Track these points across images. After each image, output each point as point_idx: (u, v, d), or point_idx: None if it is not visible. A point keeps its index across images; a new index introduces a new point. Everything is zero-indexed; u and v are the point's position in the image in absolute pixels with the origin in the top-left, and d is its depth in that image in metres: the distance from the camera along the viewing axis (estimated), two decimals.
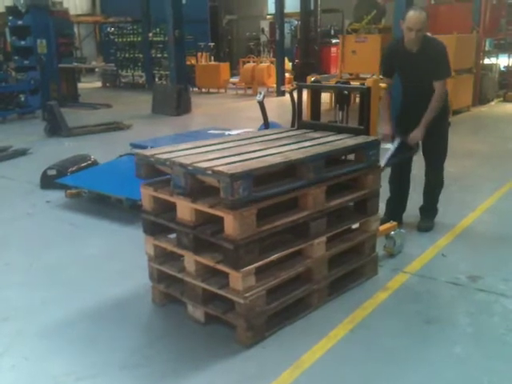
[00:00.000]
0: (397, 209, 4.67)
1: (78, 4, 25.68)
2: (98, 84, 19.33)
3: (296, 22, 20.60)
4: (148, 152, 3.25)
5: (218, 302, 3.04)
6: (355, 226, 3.69)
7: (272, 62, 16.15)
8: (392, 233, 4.10)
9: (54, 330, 3.17)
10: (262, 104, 6.04)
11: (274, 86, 15.32)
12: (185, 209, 2.96)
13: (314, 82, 4.22)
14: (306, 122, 4.10)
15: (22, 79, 11.77)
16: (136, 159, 3.23)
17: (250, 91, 15.69)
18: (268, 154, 3.12)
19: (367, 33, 12.56)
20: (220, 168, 2.76)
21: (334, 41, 18.33)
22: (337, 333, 3.08)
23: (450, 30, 10.17)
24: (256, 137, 3.68)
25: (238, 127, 8.43)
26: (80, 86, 15.33)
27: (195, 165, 2.86)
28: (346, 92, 4.08)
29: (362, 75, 13.01)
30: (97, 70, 20.60)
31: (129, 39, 18.07)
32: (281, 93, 14.67)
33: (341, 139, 3.55)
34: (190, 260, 3.04)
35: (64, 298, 3.55)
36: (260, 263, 2.90)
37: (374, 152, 3.54)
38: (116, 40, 18.54)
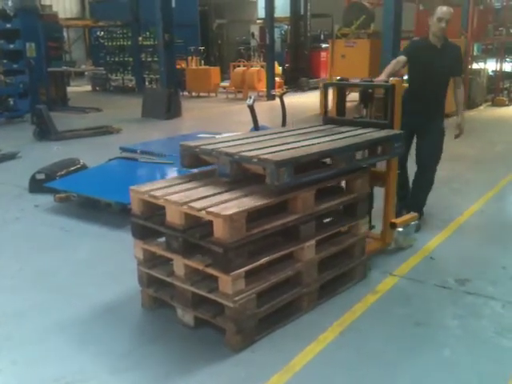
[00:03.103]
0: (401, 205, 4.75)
1: (68, 7, 25.60)
2: (88, 88, 19.27)
3: (286, 27, 20.67)
4: (192, 143, 3.45)
5: (207, 305, 3.04)
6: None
7: (262, 67, 16.18)
8: (400, 229, 4.20)
9: (43, 334, 3.15)
10: (252, 108, 6.06)
11: (265, 90, 15.34)
12: (174, 212, 2.96)
13: (339, 80, 4.48)
14: (332, 117, 4.34)
15: (11, 83, 11.69)
16: (181, 150, 3.42)
17: (240, 95, 15.70)
18: (304, 145, 3.35)
19: (356, 37, 12.63)
20: (265, 156, 2.98)
21: (323, 45, 18.42)
22: (326, 336, 3.08)
23: None
24: (287, 131, 3.94)
25: (229, 131, 8.44)
26: (69, 89, 15.26)
27: (241, 154, 3.07)
28: (370, 90, 4.30)
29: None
30: (86, 73, 20.52)
31: (118, 43, 18.06)
32: (271, 97, 14.70)
33: (368, 132, 3.78)
34: (179, 264, 3.03)
35: (53, 303, 3.53)
36: (250, 267, 2.90)
37: (399, 144, 3.80)
38: (106, 44, 18.53)
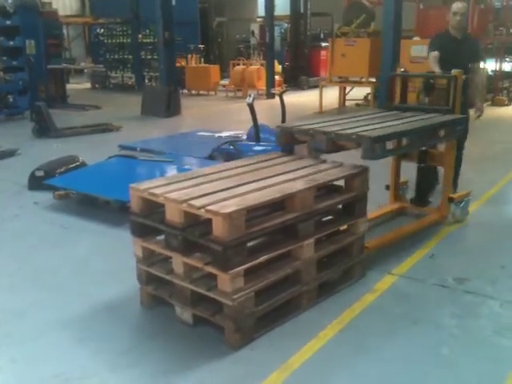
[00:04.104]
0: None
1: (68, 5, 25.56)
2: (87, 85, 19.23)
3: (286, 25, 20.64)
4: (288, 125, 4.13)
5: (206, 303, 3.04)
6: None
7: (262, 65, 16.17)
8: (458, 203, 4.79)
9: (43, 332, 3.15)
10: (251, 106, 6.06)
11: (264, 88, 15.33)
12: (174, 210, 2.96)
13: (402, 71, 5.10)
14: (397, 104, 4.90)
15: (11, 80, 11.68)
16: (278, 130, 4.03)
17: (239, 93, 15.70)
18: (385, 126, 3.94)
19: (356, 36, 12.64)
20: (363, 133, 3.57)
21: (323, 44, 18.39)
22: (325, 334, 3.09)
23: None
24: (361, 116, 4.50)
25: (228, 129, 8.45)
26: (69, 87, 15.25)
27: (338, 132, 3.69)
28: (431, 80, 4.93)
29: (351, 78, 13.09)
30: (86, 71, 20.48)
31: (118, 40, 18.03)
32: (271, 95, 14.68)
33: (434, 117, 4.38)
34: (179, 262, 3.03)
35: (53, 301, 3.53)
36: (249, 265, 2.91)
37: (460, 127, 4.42)
38: (105, 41, 18.48)
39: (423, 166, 4.97)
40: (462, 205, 4.83)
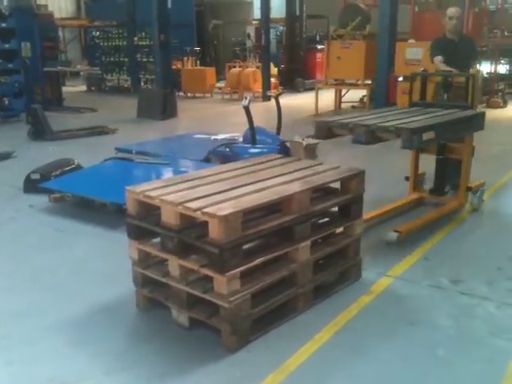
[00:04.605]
0: None
1: (63, 7, 25.54)
2: (83, 88, 19.21)
3: (282, 28, 20.67)
4: (327, 119, 4.34)
5: (202, 306, 3.04)
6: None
7: (258, 67, 16.18)
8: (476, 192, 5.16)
9: (39, 334, 3.14)
10: (247, 109, 6.07)
11: (260, 91, 15.35)
12: (169, 212, 2.96)
13: (422, 71, 5.58)
14: (418, 102, 5.19)
15: (6, 82, 11.66)
16: (316, 124, 4.23)
17: (235, 96, 15.70)
18: (417, 119, 4.19)
19: (352, 39, 12.66)
20: (401, 125, 3.85)
21: (319, 46, 18.42)
22: (322, 336, 3.09)
23: (434, 37, 10.29)
24: (386, 111, 4.75)
25: (224, 132, 8.45)
26: (65, 89, 15.22)
27: (378, 125, 3.93)
28: (449, 79, 5.38)
29: (347, 80, 13.12)
30: (82, 73, 20.47)
31: (114, 43, 18.03)
32: (266, 98, 14.70)
33: (455, 112, 4.65)
34: (174, 264, 3.03)
35: (49, 303, 3.52)
36: (245, 267, 2.91)
37: (477, 122, 4.71)
38: (101, 44, 18.49)
39: (442, 158, 5.26)
40: (478, 194, 5.20)
